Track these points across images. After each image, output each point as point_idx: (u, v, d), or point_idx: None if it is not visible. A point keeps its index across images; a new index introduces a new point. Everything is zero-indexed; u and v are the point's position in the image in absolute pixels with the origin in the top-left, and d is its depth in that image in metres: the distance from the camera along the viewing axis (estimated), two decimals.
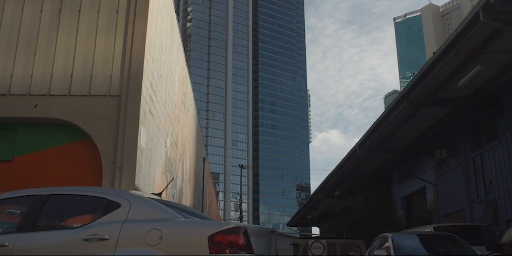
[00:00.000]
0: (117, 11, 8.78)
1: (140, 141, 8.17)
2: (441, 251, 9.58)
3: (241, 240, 4.54)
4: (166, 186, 5.83)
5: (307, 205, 36.07)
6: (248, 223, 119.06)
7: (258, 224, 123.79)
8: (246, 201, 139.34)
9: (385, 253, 9.34)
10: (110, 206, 4.82)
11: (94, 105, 8.28)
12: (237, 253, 4.50)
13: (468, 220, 15.92)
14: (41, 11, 8.80)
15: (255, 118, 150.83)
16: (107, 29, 8.68)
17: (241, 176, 55.46)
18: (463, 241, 9.84)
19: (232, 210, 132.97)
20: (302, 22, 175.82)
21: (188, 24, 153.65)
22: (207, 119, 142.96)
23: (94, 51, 8.56)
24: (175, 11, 11.25)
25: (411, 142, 19.35)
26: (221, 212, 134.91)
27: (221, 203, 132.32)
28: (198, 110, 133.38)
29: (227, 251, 4.47)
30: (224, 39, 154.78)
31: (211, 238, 4.44)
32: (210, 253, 4.39)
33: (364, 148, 20.23)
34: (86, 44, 8.61)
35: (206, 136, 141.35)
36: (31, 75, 8.41)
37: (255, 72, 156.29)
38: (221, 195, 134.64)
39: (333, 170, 25.77)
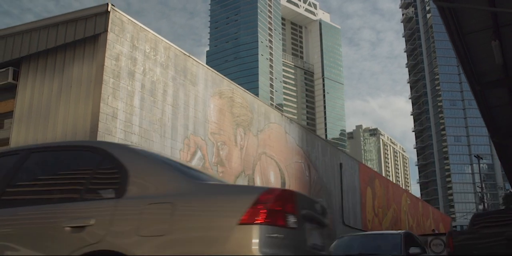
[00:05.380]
0: (91, 81, 11.75)
1: None
2: (377, 251, 9.65)
3: None
4: None
5: None
6: None
7: None
8: None
9: None
10: None
11: None
12: None
13: None
14: (51, 90, 12.34)
15: None
16: (86, 96, 11.71)
17: (479, 164, 52.64)
18: (413, 239, 9.93)
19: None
20: None
21: (428, 15, 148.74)
22: (464, 109, 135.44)
23: (78, 114, 11.66)
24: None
25: None
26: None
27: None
28: (453, 101, 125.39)
29: None
30: None
31: None
32: None
33: (499, 135, 19.12)
34: (75, 109, 11.77)
35: (466, 127, 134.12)
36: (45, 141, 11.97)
37: None
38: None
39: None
